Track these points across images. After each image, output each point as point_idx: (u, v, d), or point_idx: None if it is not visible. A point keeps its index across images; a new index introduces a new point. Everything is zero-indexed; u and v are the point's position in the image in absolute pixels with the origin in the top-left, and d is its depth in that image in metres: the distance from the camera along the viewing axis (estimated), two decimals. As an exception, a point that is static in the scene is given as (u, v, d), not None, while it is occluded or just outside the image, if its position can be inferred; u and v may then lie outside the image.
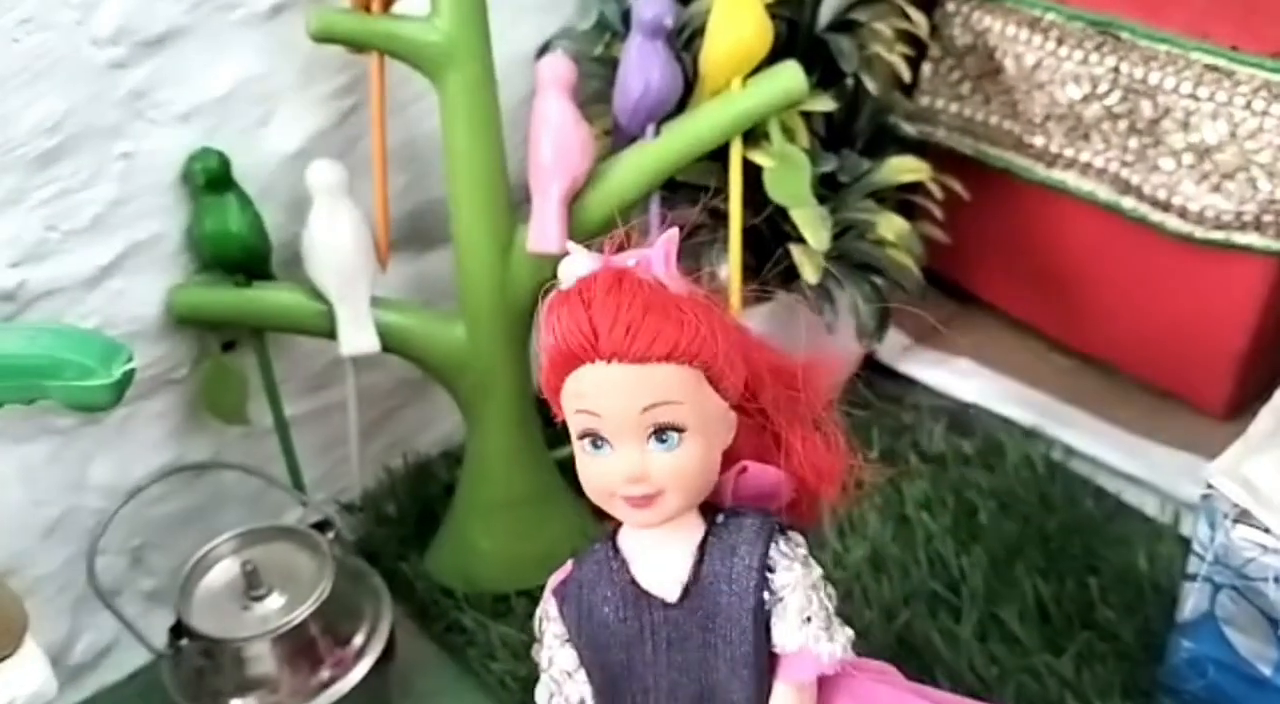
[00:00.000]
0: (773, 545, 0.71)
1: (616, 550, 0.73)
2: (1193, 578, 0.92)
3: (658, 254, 0.69)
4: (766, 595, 0.70)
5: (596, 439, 0.68)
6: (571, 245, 0.69)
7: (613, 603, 0.72)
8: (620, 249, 0.71)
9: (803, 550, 0.72)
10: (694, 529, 0.71)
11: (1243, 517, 0.87)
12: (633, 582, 0.72)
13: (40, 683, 0.78)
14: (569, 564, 0.75)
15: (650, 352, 0.65)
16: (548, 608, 0.75)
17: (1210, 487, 0.88)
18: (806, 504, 0.76)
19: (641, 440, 0.67)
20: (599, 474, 0.68)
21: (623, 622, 0.72)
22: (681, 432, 0.67)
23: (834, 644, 0.71)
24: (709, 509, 0.72)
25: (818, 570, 0.72)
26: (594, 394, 0.66)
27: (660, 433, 0.67)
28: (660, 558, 0.72)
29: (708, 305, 0.68)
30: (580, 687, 0.75)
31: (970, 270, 1.38)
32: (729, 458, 0.71)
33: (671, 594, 0.71)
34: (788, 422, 0.72)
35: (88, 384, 0.75)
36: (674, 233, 0.69)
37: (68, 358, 0.75)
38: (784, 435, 0.73)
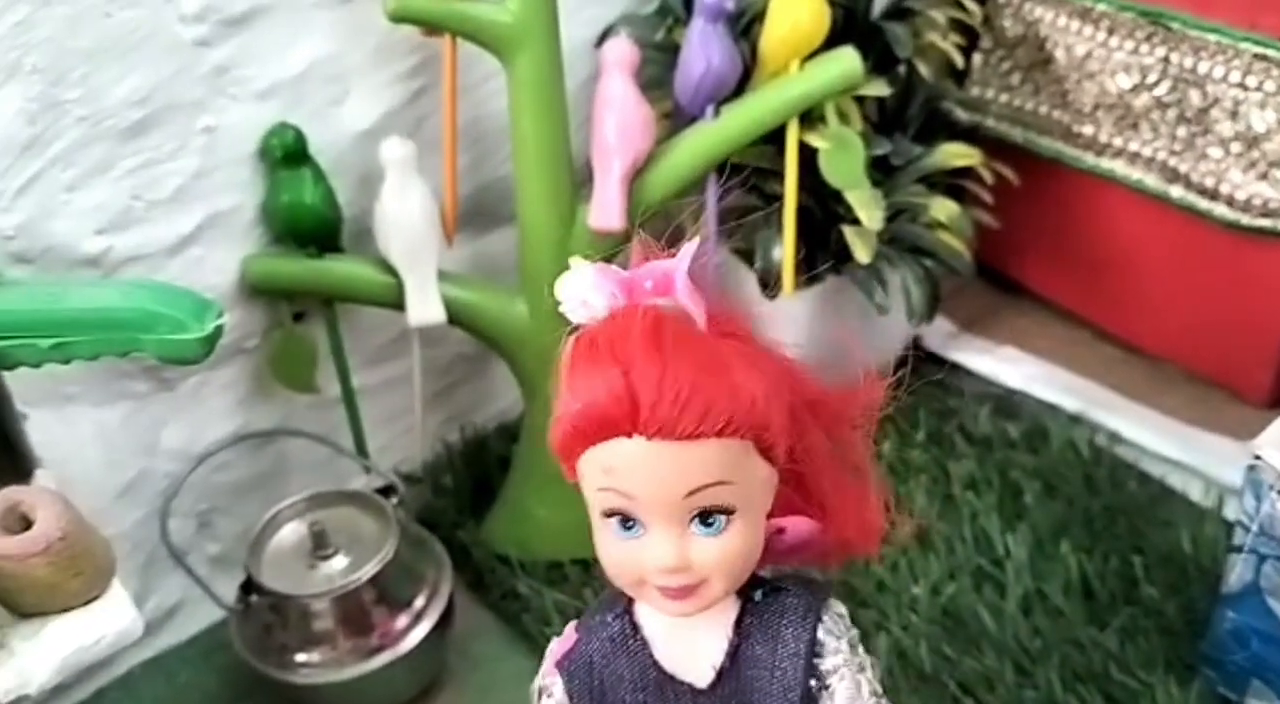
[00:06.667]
0: (819, 625, 0.63)
1: (635, 627, 0.64)
2: (1238, 549, 0.94)
3: (680, 274, 0.58)
4: (813, 682, 0.63)
5: (627, 520, 0.58)
6: (576, 261, 0.59)
7: (631, 685, 0.64)
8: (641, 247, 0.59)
9: (845, 622, 0.65)
10: (728, 607, 0.63)
11: (1289, 488, 0.89)
12: (655, 664, 0.64)
13: (128, 622, 0.82)
14: (571, 632, 0.67)
15: (701, 428, 0.55)
16: (549, 683, 0.66)
17: (1257, 458, 0.90)
18: (839, 553, 0.69)
19: (682, 523, 0.57)
20: (629, 561, 0.59)
21: None
22: (729, 514, 0.58)
23: None
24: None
25: (863, 652, 0.66)
26: (628, 473, 0.56)
27: (706, 516, 0.57)
28: (689, 639, 0.64)
29: (752, 349, 0.59)
30: None
31: (1018, 259, 1.41)
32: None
33: (702, 679, 0.63)
34: (830, 473, 0.65)
35: (180, 337, 0.79)
36: (693, 246, 0.59)
37: (162, 312, 0.79)
38: (829, 494, 0.65)
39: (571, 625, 0.67)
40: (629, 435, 0.56)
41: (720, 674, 0.63)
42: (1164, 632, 1.07)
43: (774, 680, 0.62)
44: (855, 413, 0.64)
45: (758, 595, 0.64)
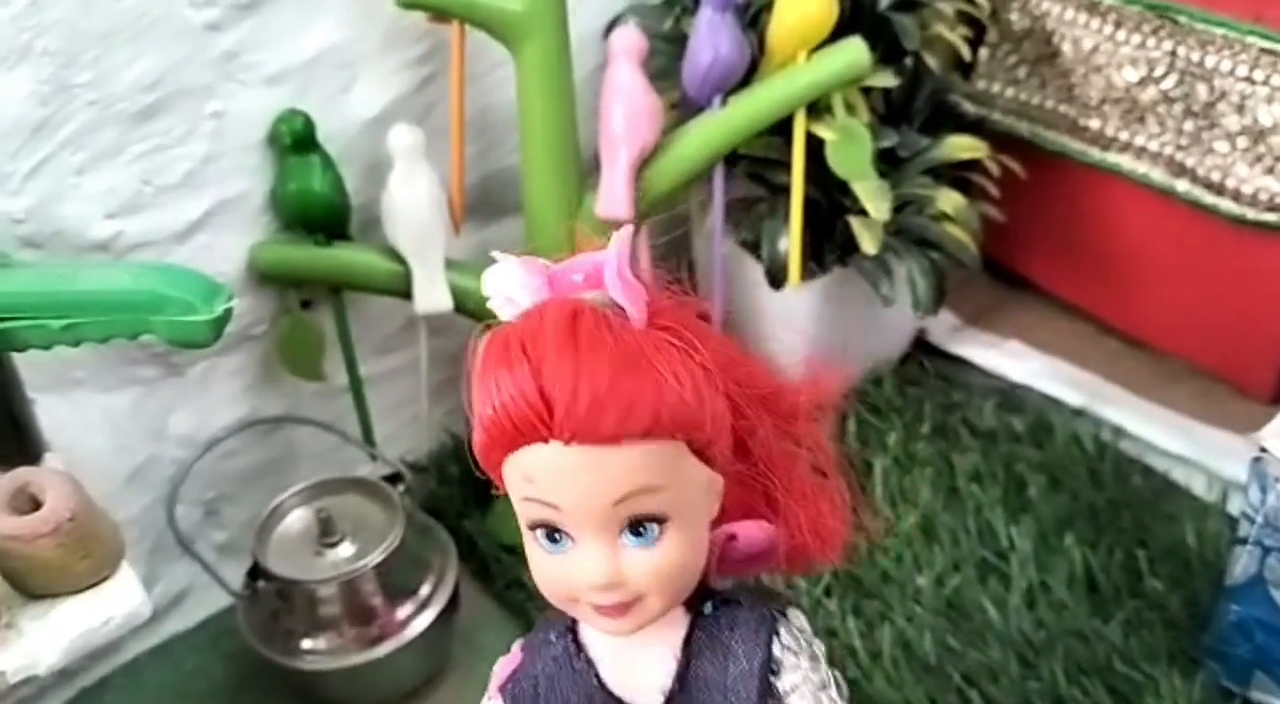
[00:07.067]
0: (774, 640, 0.58)
1: (579, 646, 0.60)
2: (1243, 542, 0.94)
3: (611, 265, 0.53)
4: (770, 702, 0.58)
5: (553, 532, 0.54)
6: (499, 255, 0.56)
7: None
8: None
9: (806, 636, 0.60)
10: (676, 623, 0.58)
11: (1294, 479, 0.89)
12: (601, 685, 0.59)
13: (136, 604, 0.82)
14: (516, 651, 0.63)
15: (622, 430, 0.51)
16: None
17: (1263, 450, 0.90)
18: (800, 561, 0.63)
19: (612, 535, 0.53)
20: (558, 577, 0.54)
21: None
22: (662, 522, 0.53)
23: None
24: (694, 592, 0.58)
25: (825, 666, 0.60)
26: (549, 481, 0.52)
27: (636, 526, 0.53)
28: (635, 658, 0.59)
29: (687, 341, 0.54)
30: None
31: (1023, 253, 1.41)
32: (713, 522, 0.58)
33: (651, 701, 0.59)
34: (783, 473, 0.59)
35: (190, 320, 0.79)
36: (628, 231, 0.55)
37: (172, 294, 0.79)
38: (779, 497, 0.60)
39: (518, 644, 0.63)
40: (546, 440, 0.51)
41: (669, 697, 0.58)
42: (1168, 625, 1.07)
43: (727, 702, 0.58)
44: (809, 407, 0.60)
45: (707, 609, 0.59)
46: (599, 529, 0.53)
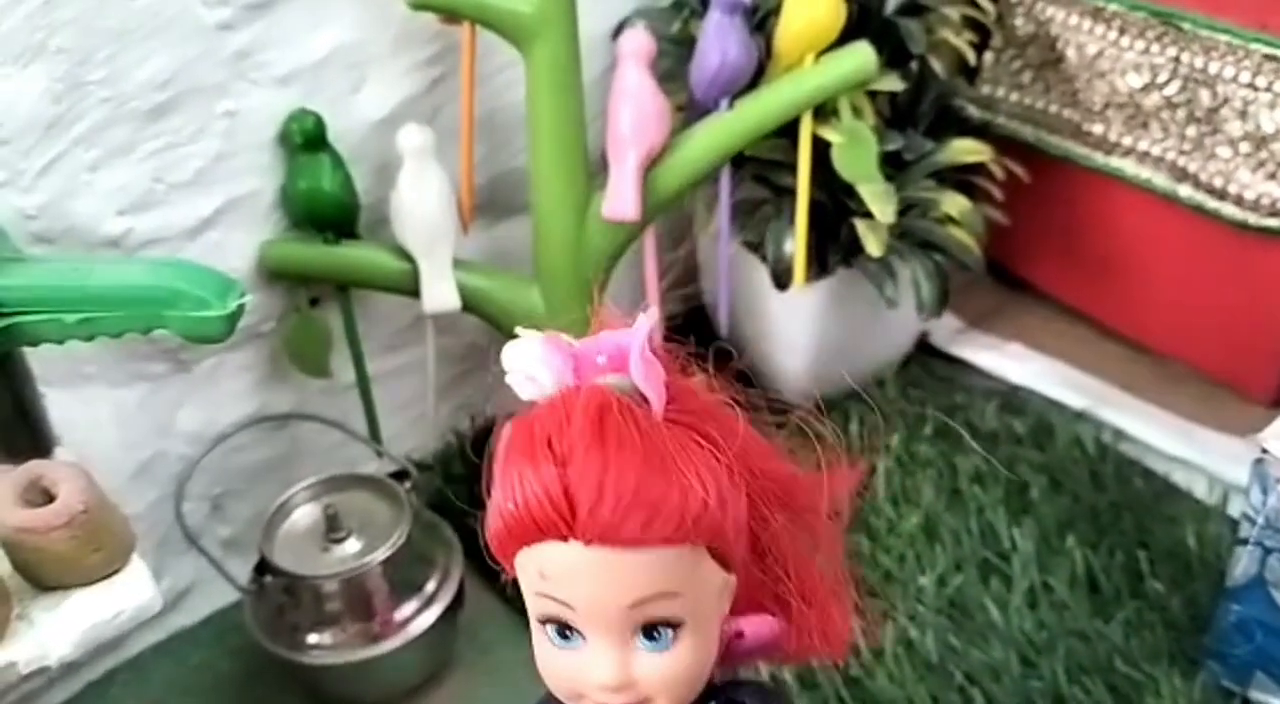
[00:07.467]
0: None
1: None
2: (1243, 542, 0.95)
3: (635, 350, 0.52)
4: None
5: (565, 628, 0.53)
6: (522, 331, 0.54)
7: None
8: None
9: None
10: None
11: (1295, 481, 0.90)
12: None
13: (147, 597, 0.82)
14: None
15: (646, 535, 0.50)
16: None
17: (1264, 451, 0.91)
18: (802, 655, 0.63)
19: (625, 637, 0.52)
20: (566, 673, 0.54)
21: None
22: (677, 627, 0.52)
23: None
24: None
25: None
26: (565, 580, 0.51)
27: (650, 629, 0.52)
28: None
29: (710, 434, 0.53)
30: None
31: (1026, 257, 1.42)
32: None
33: None
34: (795, 574, 0.59)
35: (203, 315, 0.80)
36: (651, 317, 0.54)
37: (186, 290, 0.80)
38: (790, 599, 0.59)
39: None
40: (565, 539, 0.50)
41: None
42: (1168, 625, 1.08)
43: None
44: (825, 500, 0.59)
45: None
46: (612, 630, 0.52)
